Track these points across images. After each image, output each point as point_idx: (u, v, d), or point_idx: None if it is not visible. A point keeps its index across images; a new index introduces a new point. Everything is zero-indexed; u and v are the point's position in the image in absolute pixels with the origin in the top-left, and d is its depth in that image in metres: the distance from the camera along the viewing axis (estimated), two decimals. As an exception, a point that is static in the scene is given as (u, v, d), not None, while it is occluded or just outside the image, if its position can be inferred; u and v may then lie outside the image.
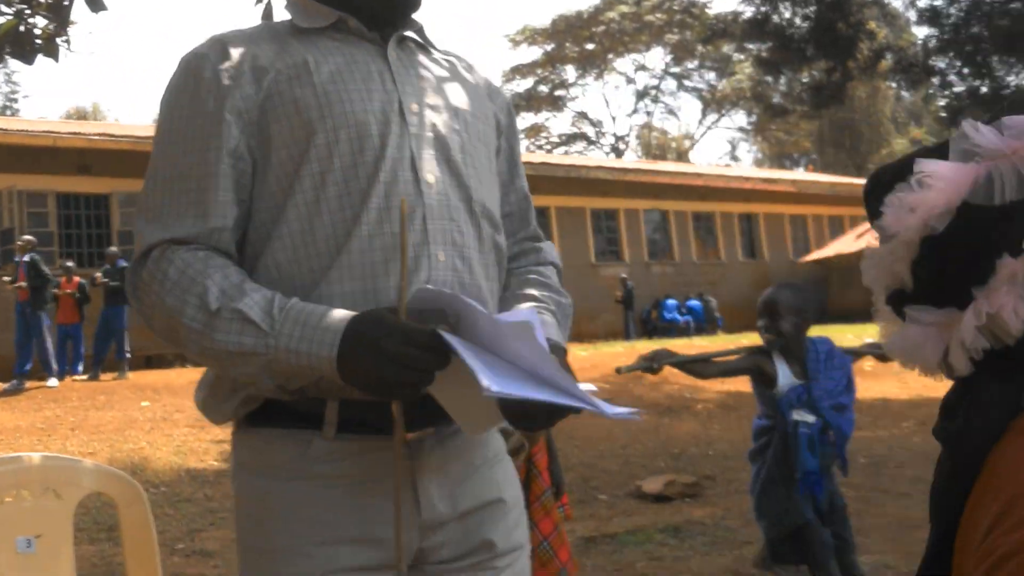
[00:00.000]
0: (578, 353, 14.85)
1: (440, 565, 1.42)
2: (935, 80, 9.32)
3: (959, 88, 9.17)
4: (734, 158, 53.05)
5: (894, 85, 20.72)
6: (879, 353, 4.38)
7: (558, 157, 32.37)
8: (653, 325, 22.36)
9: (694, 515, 5.91)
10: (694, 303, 23.19)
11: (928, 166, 0.92)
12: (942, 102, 9.55)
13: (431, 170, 1.40)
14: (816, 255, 25.82)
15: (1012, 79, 8.97)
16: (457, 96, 1.51)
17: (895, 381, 12.87)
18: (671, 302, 22.97)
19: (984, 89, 8.94)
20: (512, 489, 1.53)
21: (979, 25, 8.67)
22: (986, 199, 0.88)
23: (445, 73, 1.54)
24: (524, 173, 1.69)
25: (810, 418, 3.83)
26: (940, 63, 9.20)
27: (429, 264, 1.36)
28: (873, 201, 1.00)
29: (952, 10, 8.98)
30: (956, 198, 0.90)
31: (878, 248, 0.98)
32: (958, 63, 9.04)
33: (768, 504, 3.94)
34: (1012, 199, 0.87)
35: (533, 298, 1.53)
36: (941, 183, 0.90)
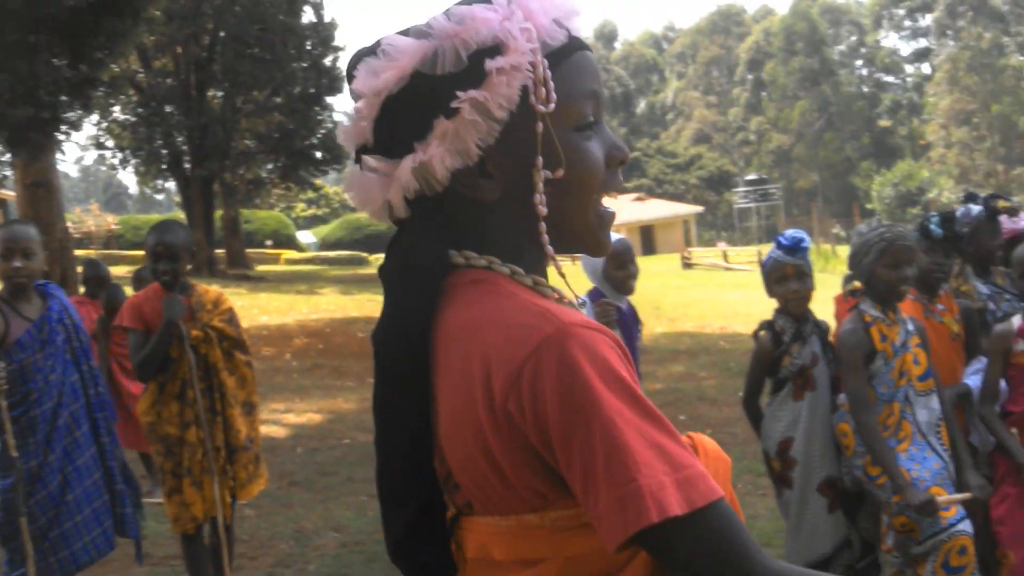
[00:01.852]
0: None
1: None
2: None
3: None
4: None
5: None
6: None
7: None
8: None
9: None
10: None
11: (390, 40, 1.08)
12: None
13: None
14: None
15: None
16: None
17: None
18: None
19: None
20: None
21: None
22: (432, 69, 1.05)
23: None
24: None
25: None
26: None
27: None
28: (352, 75, 1.13)
29: None
30: (410, 66, 1.06)
31: (351, 110, 1.12)
32: None
33: None
34: (450, 71, 1.05)
35: None
36: (400, 53, 1.06)
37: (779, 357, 3.75)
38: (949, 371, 3.79)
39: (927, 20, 64.16)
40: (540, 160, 1.06)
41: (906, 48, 71.67)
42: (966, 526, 3.30)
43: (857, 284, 3.64)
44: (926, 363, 3.51)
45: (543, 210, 1.07)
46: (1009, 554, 3.37)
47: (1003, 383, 3.59)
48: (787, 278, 3.71)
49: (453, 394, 1.05)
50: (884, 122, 64.72)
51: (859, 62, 70.04)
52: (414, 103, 1.06)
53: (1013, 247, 3.90)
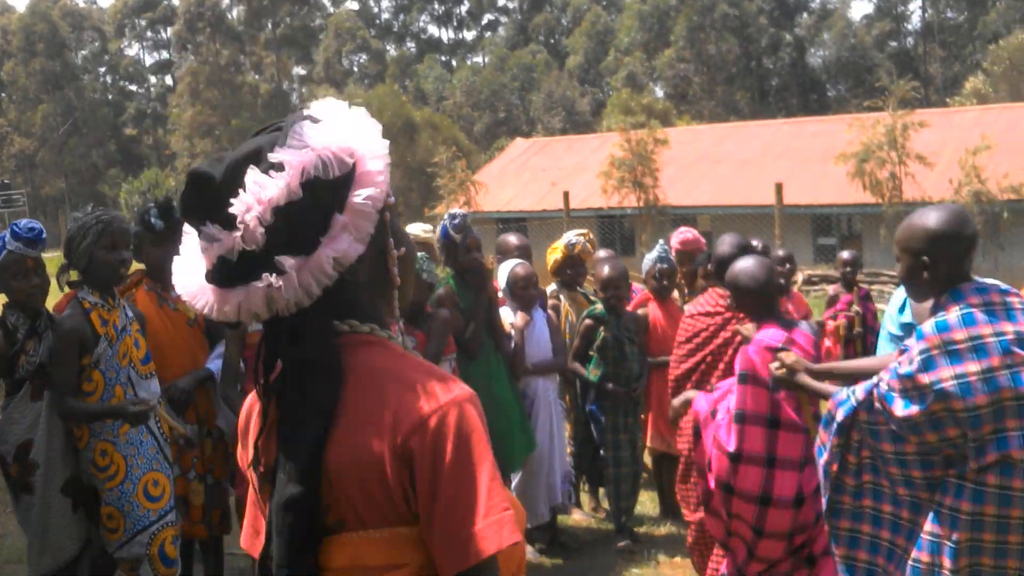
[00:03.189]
0: None
1: None
2: None
3: None
4: None
5: None
6: None
7: None
8: None
9: None
10: None
11: (282, 154, 1.31)
12: None
13: None
14: None
15: None
16: None
17: None
18: None
19: None
20: None
21: None
22: (325, 175, 1.32)
23: None
24: None
25: None
26: None
27: None
28: (214, 197, 1.33)
29: None
30: (306, 174, 1.31)
31: (242, 221, 1.30)
32: None
33: None
34: (338, 175, 1.32)
35: None
36: (293, 165, 1.30)
37: (14, 356, 3.54)
38: (190, 357, 3.97)
39: (168, 33, 65.64)
40: (391, 242, 1.42)
41: (149, 58, 72.12)
42: (172, 517, 3.59)
43: (74, 275, 3.60)
44: (146, 347, 3.67)
45: (399, 280, 1.45)
46: None
47: (242, 363, 3.88)
48: (29, 271, 3.54)
49: (356, 427, 1.33)
50: (131, 130, 64.36)
51: (103, 69, 68.74)
52: (313, 204, 1.31)
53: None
